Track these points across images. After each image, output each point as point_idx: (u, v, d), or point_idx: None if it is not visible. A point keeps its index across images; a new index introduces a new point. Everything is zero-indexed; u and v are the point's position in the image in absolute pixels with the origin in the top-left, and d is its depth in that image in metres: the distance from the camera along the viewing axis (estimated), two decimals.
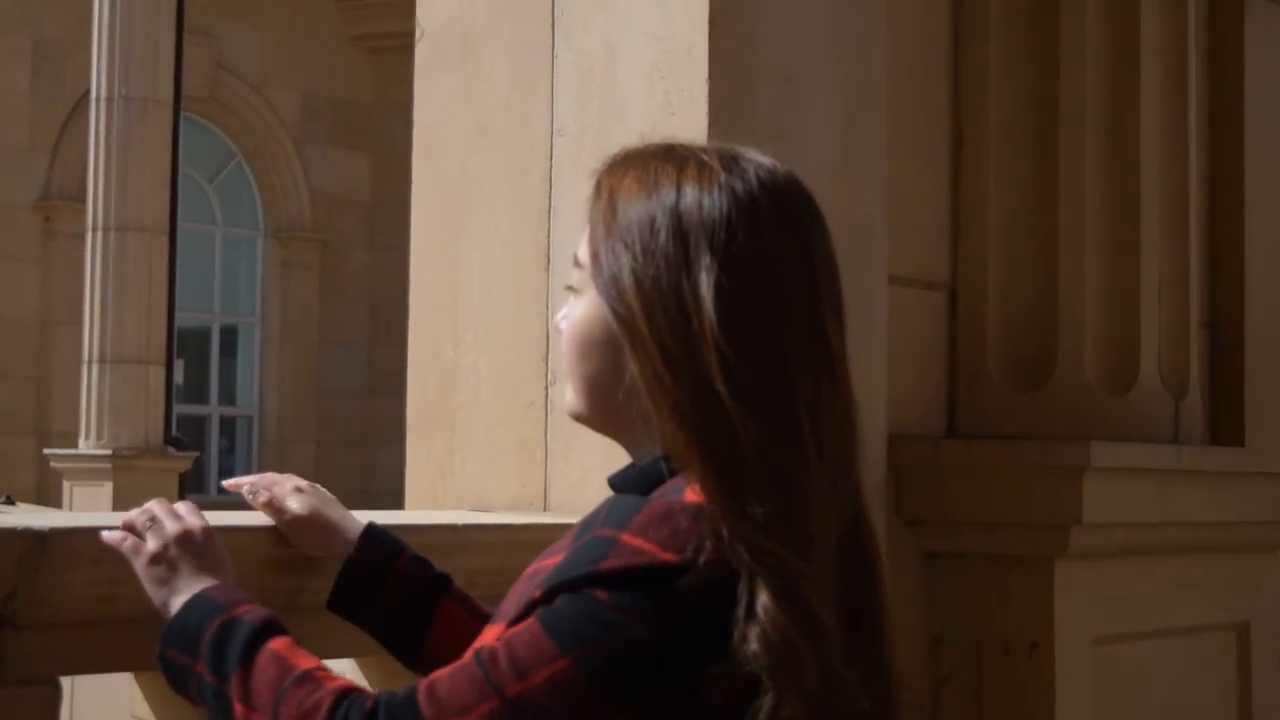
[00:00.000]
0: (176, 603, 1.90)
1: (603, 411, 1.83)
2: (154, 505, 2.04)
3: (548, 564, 1.72)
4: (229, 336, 19.85)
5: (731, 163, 1.80)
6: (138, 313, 14.46)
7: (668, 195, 1.76)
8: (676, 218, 1.75)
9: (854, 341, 1.82)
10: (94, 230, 14.46)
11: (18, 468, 17.09)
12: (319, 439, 19.57)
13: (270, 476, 2.26)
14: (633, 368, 1.74)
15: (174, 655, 1.86)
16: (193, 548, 1.96)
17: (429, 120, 3.12)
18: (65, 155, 17.51)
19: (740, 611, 1.63)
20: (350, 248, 19.91)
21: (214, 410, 19.51)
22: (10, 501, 14.90)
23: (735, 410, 1.67)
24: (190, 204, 17.87)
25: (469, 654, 1.68)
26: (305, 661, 1.77)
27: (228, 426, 19.71)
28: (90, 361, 14.50)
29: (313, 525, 2.22)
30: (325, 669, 1.76)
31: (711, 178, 1.77)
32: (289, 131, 19.68)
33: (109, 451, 14.17)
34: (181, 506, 2.03)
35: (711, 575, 1.62)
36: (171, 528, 1.98)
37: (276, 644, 1.79)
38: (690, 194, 1.76)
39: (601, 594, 1.61)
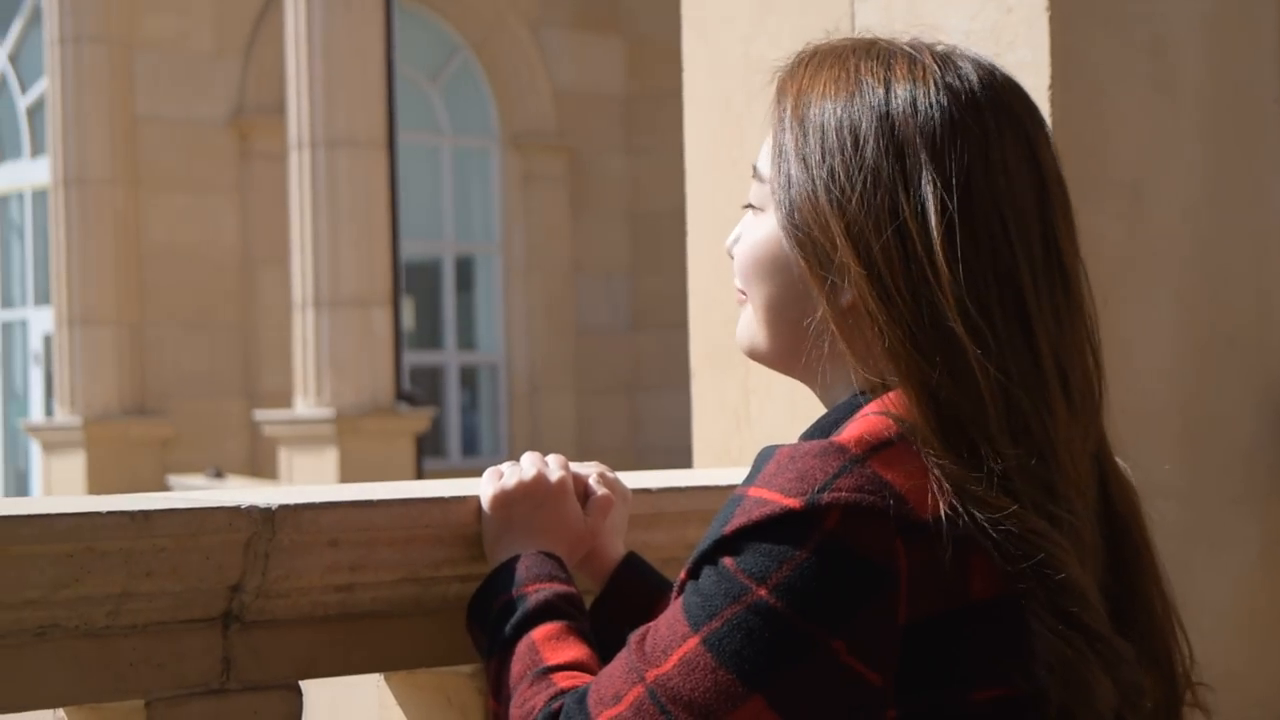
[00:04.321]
0: (491, 566, 2.12)
1: (785, 347, 1.91)
2: (526, 454, 2.24)
3: None
4: (465, 269, 20.20)
5: (945, 60, 1.84)
6: (354, 245, 14.81)
7: (874, 97, 1.81)
8: (887, 123, 1.79)
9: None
10: (297, 148, 14.84)
11: (225, 435, 17.68)
12: (577, 387, 19.83)
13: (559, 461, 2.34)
14: (821, 302, 1.80)
15: (473, 629, 2.10)
16: (535, 502, 2.15)
17: None
18: (259, 60, 17.97)
19: (962, 583, 1.69)
20: (603, 154, 20.08)
21: (451, 358, 19.90)
22: (219, 476, 15.48)
23: (971, 349, 1.73)
24: (410, 110, 18.20)
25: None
26: (556, 655, 1.93)
27: (469, 377, 20.08)
28: (302, 306, 14.90)
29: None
30: (576, 665, 1.91)
31: (925, 76, 1.81)
32: (523, 16, 19.89)
33: (330, 413, 14.57)
34: (552, 458, 2.22)
35: (849, 517, 1.67)
36: (527, 473, 2.16)
37: (540, 631, 1.97)
38: (901, 95, 1.80)
39: (728, 559, 1.72)
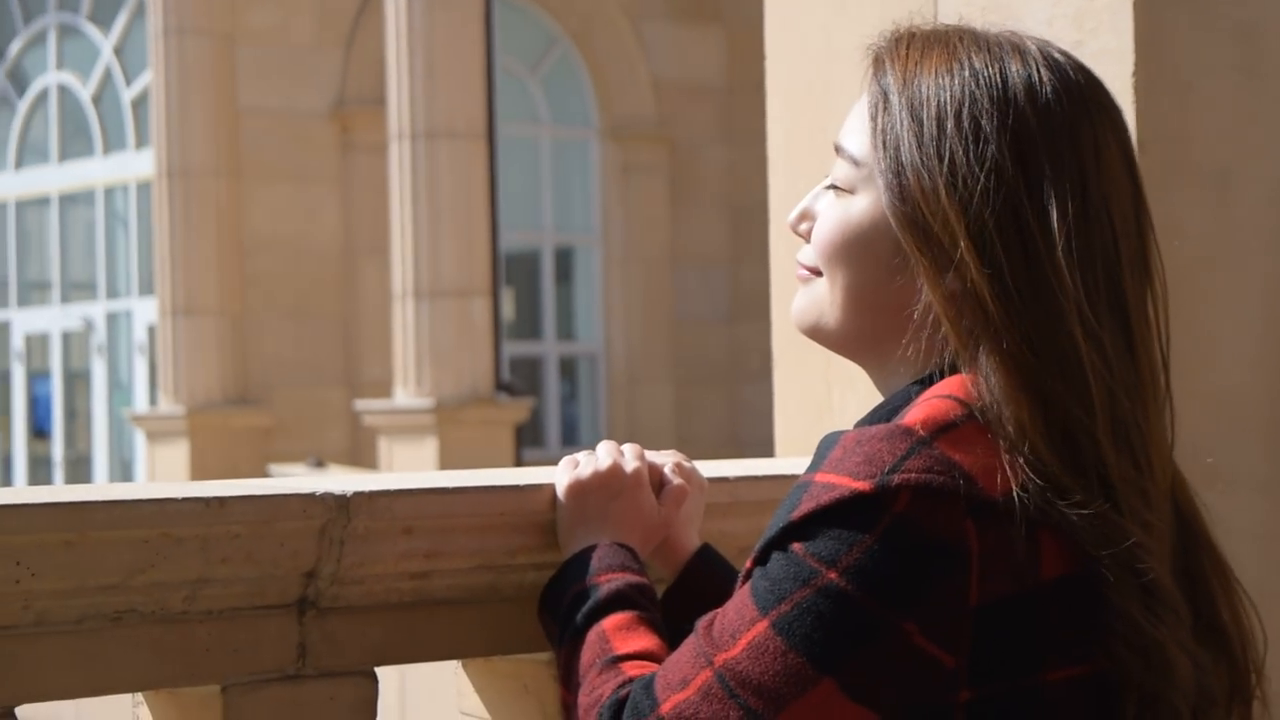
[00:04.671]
0: (565, 556, 2.13)
1: (860, 330, 1.89)
2: (602, 444, 2.24)
3: None
4: (564, 259, 20.25)
5: (1046, 54, 1.84)
6: (454, 236, 14.88)
7: (994, 89, 1.79)
8: (1009, 118, 1.79)
9: None
10: (398, 139, 14.91)
11: (326, 425, 17.79)
12: (676, 378, 19.83)
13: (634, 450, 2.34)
14: (932, 293, 1.78)
15: (544, 618, 2.11)
16: (610, 492, 2.16)
17: None
18: (360, 51, 18.07)
19: (1033, 563, 1.69)
20: (704, 145, 20.07)
21: (551, 348, 19.95)
22: (320, 465, 15.57)
23: (1089, 354, 1.74)
24: (509, 101, 18.25)
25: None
26: (626, 645, 1.93)
27: (568, 367, 20.14)
28: (402, 296, 14.97)
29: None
30: (646, 654, 1.91)
31: (1038, 70, 1.81)
32: (623, 6, 19.90)
33: (430, 403, 14.64)
34: (628, 447, 2.22)
35: (919, 498, 1.67)
36: (603, 463, 2.17)
37: (611, 621, 1.97)
38: (1020, 89, 1.80)
39: (797, 545, 1.72)
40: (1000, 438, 1.72)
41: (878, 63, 1.88)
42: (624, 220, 19.83)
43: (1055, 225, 1.75)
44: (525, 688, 2.38)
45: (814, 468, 1.76)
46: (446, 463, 14.27)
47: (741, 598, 1.76)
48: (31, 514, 1.90)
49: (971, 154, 1.77)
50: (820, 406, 3.07)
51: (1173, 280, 2.61)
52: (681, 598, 2.18)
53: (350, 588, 2.14)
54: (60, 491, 2.02)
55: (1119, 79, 2.63)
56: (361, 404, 16.05)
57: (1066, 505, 1.70)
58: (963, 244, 1.75)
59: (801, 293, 1.96)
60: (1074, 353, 1.74)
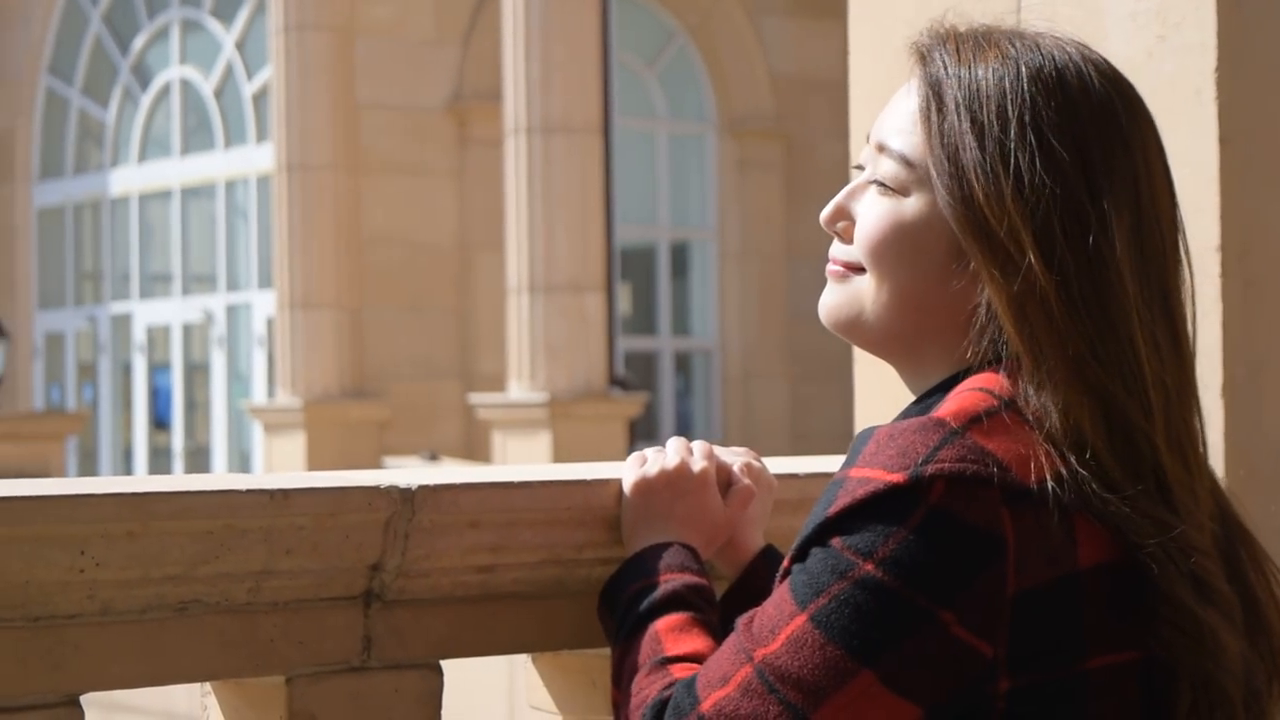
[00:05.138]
0: (628, 553, 2.14)
1: (903, 329, 1.88)
2: (672, 440, 2.25)
3: None
4: (680, 254, 20.26)
5: (1086, 53, 1.84)
6: (569, 230, 14.93)
7: (1048, 85, 1.79)
8: (1072, 126, 1.79)
9: None
10: (514, 134, 14.97)
11: (441, 418, 17.89)
12: (791, 373, 19.80)
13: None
14: (995, 297, 1.77)
15: (603, 615, 2.11)
16: (675, 491, 2.15)
17: None
18: (478, 47, 18.15)
19: (1069, 550, 1.69)
20: (820, 140, 20.00)
21: (666, 343, 19.98)
22: (434, 458, 15.67)
23: (1148, 359, 1.75)
24: (626, 96, 18.29)
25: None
26: (677, 646, 1.92)
27: (683, 362, 20.15)
28: (517, 291, 15.04)
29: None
30: (695, 657, 1.90)
31: (1084, 68, 1.81)
32: (742, 2, 19.89)
33: (544, 397, 14.69)
34: (697, 445, 2.22)
35: (954, 487, 1.67)
36: (670, 462, 2.17)
37: (665, 622, 1.96)
38: (1075, 86, 1.80)
39: (836, 539, 1.72)
40: (1038, 429, 1.73)
41: (924, 59, 1.87)
42: (740, 215, 19.81)
43: (1115, 229, 1.76)
44: (593, 683, 2.38)
45: (849, 464, 1.76)
46: (559, 457, 14.31)
47: (780, 594, 1.76)
48: (95, 504, 1.92)
49: (1036, 157, 1.77)
50: (899, 403, 3.05)
51: (1261, 274, 2.58)
52: (742, 598, 2.18)
53: (416, 581, 2.15)
54: (124, 482, 2.04)
55: (1202, 73, 2.60)
56: (476, 398, 16.13)
57: (1116, 497, 1.71)
58: (1029, 249, 1.75)
59: (835, 289, 1.95)
60: (1135, 357, 1.75)
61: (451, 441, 17.61)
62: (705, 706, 1.75)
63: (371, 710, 2.14)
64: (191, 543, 1.98)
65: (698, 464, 2.17)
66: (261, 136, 19.55)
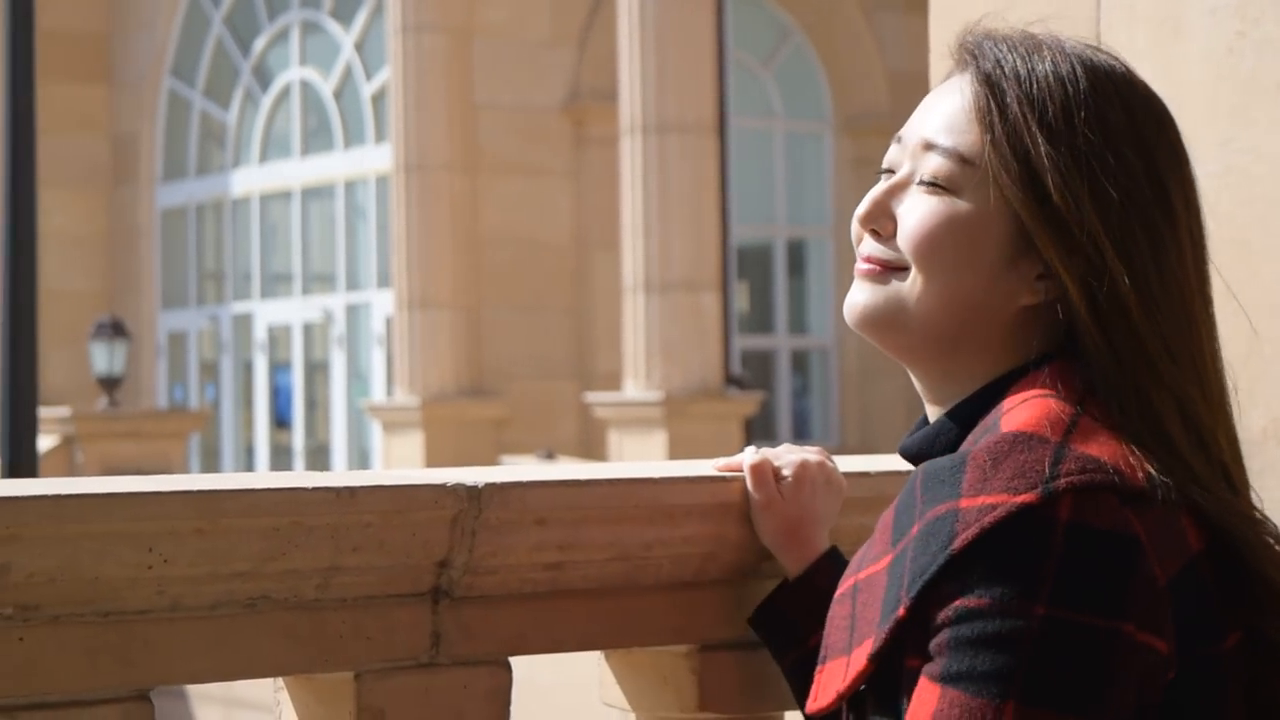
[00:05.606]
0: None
1: (944, 332, 1.84)
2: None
3: (879, 567, 1.75)
4: (797, 253, 20.23)
5: (1119, 56, 1.84)
6: (684, 229, 14.94)
7: (1106, 85, 1.79)
8: (1132, 114, 1.78)
9: None
10: (630, 133, 15.00)
11: (558, 417, 17.95)
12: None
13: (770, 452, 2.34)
14: (1075, 296, 1.75)
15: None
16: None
17: None
18: (594, 48, 18.20)
19: (1183, 539, 1.69)
20: None
21: (782, 342, 19.95)
22: (550, 457, 15.72)
23: (1215, 360, 1.79)
24: (742, 95, 18.28)
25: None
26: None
27: (800, 361, 20.12)
28: (633, 290, 15.06)
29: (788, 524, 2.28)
30: None
31: (1130, 70, 1.82)
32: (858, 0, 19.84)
33: (659, 395, 14.71)
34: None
35: (1083, 499, 1.63)
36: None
37: None
38: (1130, 88, 1.80)
39: (975, 600, 1.61)
40: (1121, 430, 1.72)
41: (976, 57, 1.84)
42: None
43: (1183, 237, 1.78)
44: (665, 679, 2.38)
45: (943, 497, 1.67)
46: (674, 456, 14.33)
47: (949, 702, 1.62)
48: (163, 501, 1.95)
49: (1110, 158, 1.75)
50: None
51: None
52: (801, 594, 2.18)
53: (484, 577, 2.16)
54: (191, 480, 2.06)
55: None
56: (592, 396, 16.18)
57: (1204, 490, 1.72)
58: (1106, 250, 1.74)
59: (870, 288, 1.89)
60: (1202, 358, 1.78)
61: (569, 440, 17.67)
62: None
63: (441, 706, 2.15)
64: (259, 539, 2.00)
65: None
66: (380, 137, 19.69)
